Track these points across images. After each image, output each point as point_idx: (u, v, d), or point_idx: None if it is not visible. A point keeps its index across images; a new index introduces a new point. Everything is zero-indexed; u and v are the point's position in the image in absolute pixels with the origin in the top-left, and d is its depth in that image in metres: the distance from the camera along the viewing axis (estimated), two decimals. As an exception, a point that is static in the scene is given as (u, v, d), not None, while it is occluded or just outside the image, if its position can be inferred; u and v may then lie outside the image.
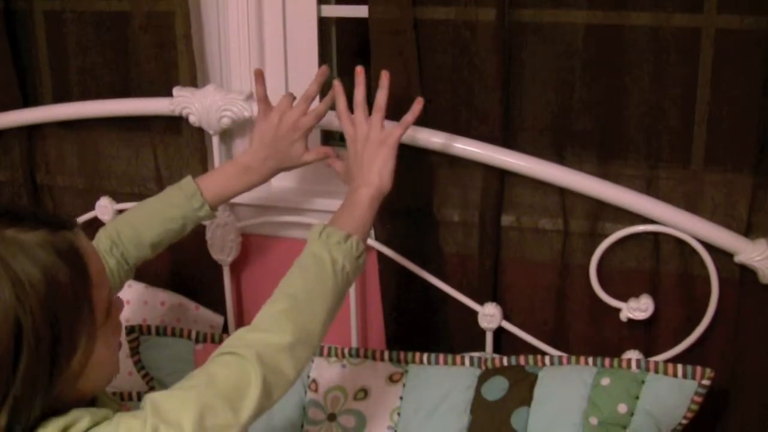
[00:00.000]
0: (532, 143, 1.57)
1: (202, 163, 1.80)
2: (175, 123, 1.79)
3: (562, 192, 1.57)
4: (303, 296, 1.22)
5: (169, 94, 1.73)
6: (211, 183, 1.52)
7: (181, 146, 1.81)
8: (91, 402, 1.13)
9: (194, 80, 1.75)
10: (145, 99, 1.78)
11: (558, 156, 1.56)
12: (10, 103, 1.90)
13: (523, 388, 1.48)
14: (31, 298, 0.97)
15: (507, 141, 1.57)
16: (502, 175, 1.60)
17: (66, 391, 1.04)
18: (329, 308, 1.24)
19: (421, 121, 1.57)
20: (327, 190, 1.79)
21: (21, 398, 0.98)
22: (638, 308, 1.57)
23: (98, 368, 1.07)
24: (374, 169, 1.41)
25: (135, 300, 1.83)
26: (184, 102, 1.71)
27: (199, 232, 1.80)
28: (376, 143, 1.42)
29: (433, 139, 1.58)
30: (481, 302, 1.66)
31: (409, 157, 1.61)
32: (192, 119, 1.72)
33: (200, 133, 1.77)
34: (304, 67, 1.77)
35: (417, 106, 1.43)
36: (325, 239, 1.30)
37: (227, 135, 1.80)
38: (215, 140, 1.75)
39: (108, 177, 1.89)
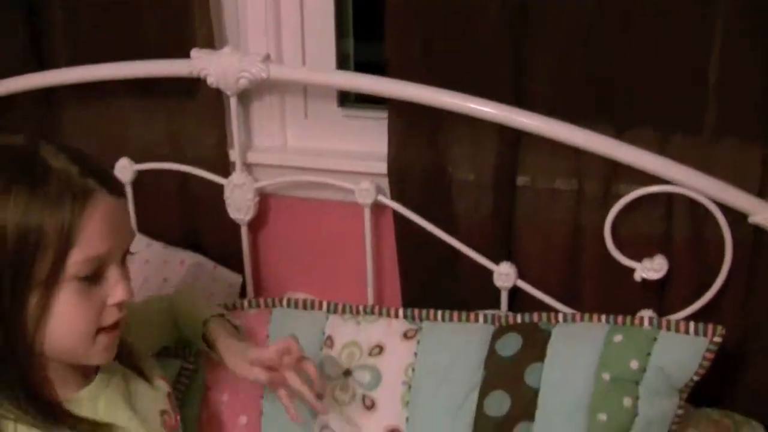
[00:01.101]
0: (546, 107, 1.58)
1: (218, 125, 1.83)
2: (192, 86, 1.81)
3: (577, 153, 1.58)
4: None
5: (186, 57, 1.75)
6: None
7: (197, 108, 1.83)
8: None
9: (211, 42, 1.77)
10: (163, 61, 1.79)
11: (572, 120, 1.57)
12: (25, 67, 1.92)
13: (536, 344, 1.50)
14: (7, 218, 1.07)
15: (520, 101, 1.59)
16: (517, 136, 1.61)
17: (32, 335, 1.11)
18: None
19: (437, 81, 1.60)
20: (344, 150, 1.82)
21: None
22: (652, 268, 1.59)
23: (63, 324, 1.12)
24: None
25: (154, 260, 1.86)
26: (202, 64, 1.73)
27: (217, 192, 1.84)
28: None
29: (447, 99, 1.59)
30: (497, 261, 1.69)
31: (424, 117, 1.64)
32: (210, 80, 1.74)
33: (217, 95, 1.79)
34: (320, 28, 1.79)
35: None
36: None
37: (245, 96, 1.82)
38: (233, 101, 1.77)
39: (125, 140, 1.91)
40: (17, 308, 1.10)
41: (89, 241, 1.10)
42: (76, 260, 1.09)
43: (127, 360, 1.33)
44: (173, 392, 1.43)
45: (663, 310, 1.62)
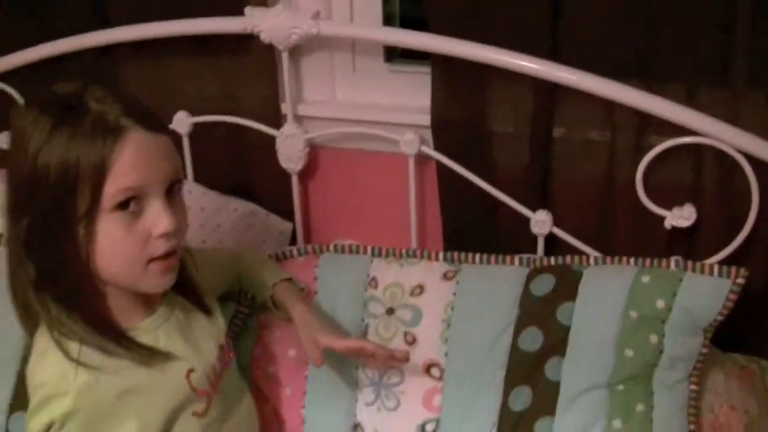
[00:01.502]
0: (580, 59, 1.65)
1: (270, 80, 1.91)
2: (246, 42, 1.89)
3: (610, 106, 1.66)
4: None
5: (240, 14, 1.84)
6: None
7: (250, 64, 1.92)
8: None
9: (264, 1, 1.86)
10: (218, 18, 1.88)
11: (605, 72, 1.64)
12: (85, 26, 2.02)
13: (568, 284, 1.59)
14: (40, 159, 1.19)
15: (556, 56, 1.66)
16: (553, 88, 1.69)
17: (86, 261, 1.23)
18: None
19: (477, 37, 1.69)
20: (390, 103, 1.91)
21: (36, 231, 1.22)
22: (681, 216, 1.66)
23: (111, 253, 1.23)
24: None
25: (209, 207, 1.96)
26: (255, 21, 1.82)
27: (269, 143, 1.94)
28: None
29: (487, 53, 1.68)
30: (533, 209, 1.77)
31: (465, 71, 1.72)
32: (263, 37, 1.83)
33: (270, 50, 1.88)
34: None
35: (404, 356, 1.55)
36: None
37: (296, 52, 1.91)
38: (285, 57, 1.86)
39: (182, 94, 1.99)
40: (68, 239, 1.21)
41: (121, 173, 1.19)
42: (110, 191, 1.19)
43: (192, 295, 1.45)
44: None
45: (692, 257, 1.66)
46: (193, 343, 1.40)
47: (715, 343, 1.67)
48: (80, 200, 1.20)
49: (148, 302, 1.37)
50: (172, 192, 1.29)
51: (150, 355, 1.32)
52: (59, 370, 1.25)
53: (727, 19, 1.56)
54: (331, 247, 1.79)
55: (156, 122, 1.27)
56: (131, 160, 1.21)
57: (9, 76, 2.13)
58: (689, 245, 1.70)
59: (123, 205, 1.22)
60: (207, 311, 1.47)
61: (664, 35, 1.61)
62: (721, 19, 1.56)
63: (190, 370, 1.37)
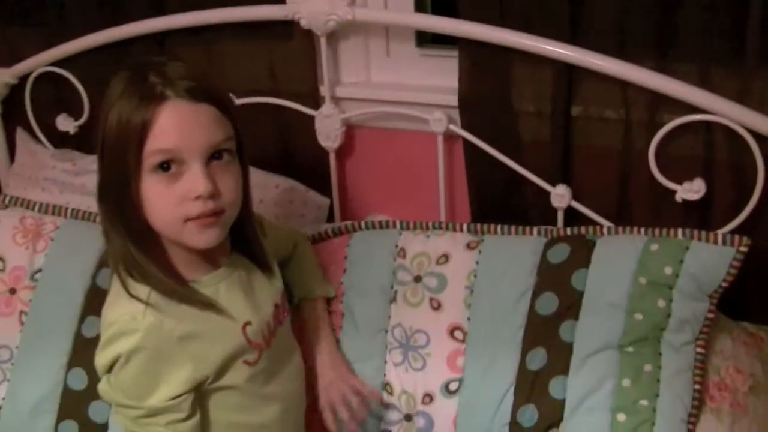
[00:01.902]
0: (596, 42, 1.76)
1: (310, 63, 2.05)
2: (286, 28, 2.03)
3: (625, 84, 1.76)
4: None
5: (282, 2, 1.99)
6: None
7: (291, 48, 2.06)
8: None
9: None
10: (262, 6, 2.03)
11: (620, 54, 1.74)
12: (143, 13, 2.18)
13: (582, 252, 1.70)
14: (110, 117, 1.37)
15: (575, 39, 1.77)
16: (571, 69, 1.80)
17: (139, 213, 1.40)
18: None
19: (501, 22, 1.80)
20: (420, 85, 2.04)
21: (105, 182, 1.40)
22: (692, 190, 1.76)
23: (154, 209, 1.39)
24: None
25: (252, 183, 2.07)
26: (296, 8, 1.96)
27: (308, 122, 2.07)
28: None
29: (510, 37, 1.80)
30: (553, 184, 1.88)
31: (490, 53, 1.84)
32: (303, 23, 1.97)
33: (309, 36, 2.02)
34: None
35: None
36: None
37: (333, 37, 2.04)
38: (323, 41, 2.00)
39: (228, 76, 2.13)
40: (127, 193, 1.37)
41: (159, 136, 1.34)
42: (149, 152, 1.34)
43: (257, 257, 1.59)
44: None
45: (703, 228, 1.73)
46: (252, 300, 1.54)
47: (726, 312, 1.78)
48: (131, 158, 1.35)
49: (210, 259, 1.51)
50: (218, 159, 1.41)
51: (209, 306, 1.46)
52: (130, 311, 1.40)
53: (738, 3, 1.66)
54: (362, 225, 1.92)
55: (200, 93, 1.38)
56: (167, 125, 1.34)
57: (67, 62, 2.31)
58: (700, 217, 1.79)
59: (163, 167, 1.36)
60: (268, 272, 1.61)
61: (676, 19, 1.70)
62: (732, 3, 1.66)
63: (247, 324, 1.51)
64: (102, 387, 1.47)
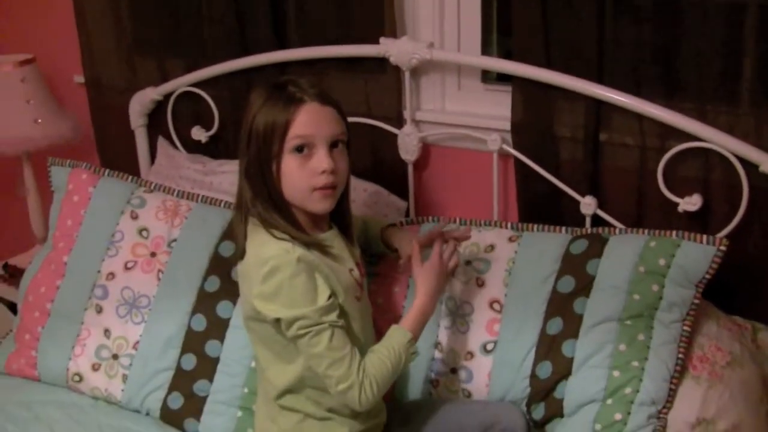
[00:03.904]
0: (620, 83, 2.18)
1: (397, 91, 2.50)
2: (379, 63, 2.49)
3: (641, 117, 2.18)
4: (383, 376, 1.87)
5: (376, 43, 2.45)
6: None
7: (382, 80, 2.52)
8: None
9: (394, 32, 2.46)
10: (361, 45, 2.50)
11: (637, 93, 2.16)
12: (267, 46, 2.67)
13: (597, 246, 2.10)
14: (257, 119, 1.84)
15: (603, 81, 2.20)
16: (600, 104, 2.22)
17: (278, 186, 1.84)
18: (391, 379, 1.90)
19: (546, 64, 2.25)
20: (482, 112, 2.48)
21: (251, 166, 1.86)
22: (691, 203, 2.15)
23: (290, 180, 1.84)
24: (427, 290, 1.96)
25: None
26: (387, 48, 2.44)
27: (393, 139, 2.52)
28: (433, 268, 1.98)
29: (553, 77, 2.25)
30: (583, 195, 2.29)
31: (537, 89, 2.28)
32: (392, 60, 2.44)
33: (397, 71, 2.47)
34: (471, 23, 2.48)
35: (465, 233, 2.09)
36: (405, 343, 1.89)
37: (416, 72, 2.50)
38: (407, 75, 2.46)
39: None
40: (270, 171, 1.85)
41: (299, 126, 1.81)
42: (290, 137, 1.81)
43: (348, 224, 2.03)
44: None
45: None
46: (347, 255, 1.98)
47: (719, 307, 2.15)
48: (275, 145, 1.82)
49: (320, 225, 1.95)
50: (336, 147, 1.86)
51: (328, 252, 1.91)
52: (282, 247, 1.82)
53: (733, 56, 2.07)
54: (430, 218, 2.36)
55: (326, 98, 1.86)
56: (304, 119, 1.82)
57: (203, 84, 2.82)
58: (697, 226, 2.16)
59: (299, 149, 1.83)
60: (351, 241, 2.04)
61: (681, 66, 2.13)
62: (727, 54, 2.08)
63: (350, 269, 1.96)
64: (271, 312, 1.82)
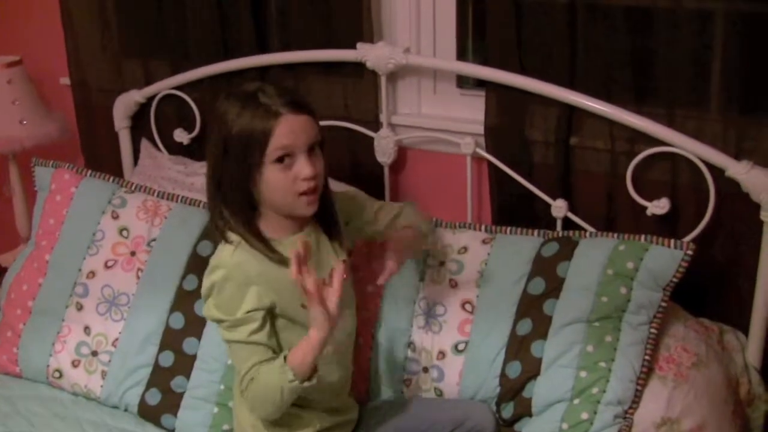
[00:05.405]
0: (591, 89, 2.23)
1: (375, 96, 2.54)
2: (356, 68, 2.53)
3: (611, 122, 2.23)
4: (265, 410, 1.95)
5: (353, 48, 2.49)
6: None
7: (359, 84, 2.56)
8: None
9: (371, 37, 2.50)
10: (338, 50, 2.55)
11: (608, 98, 2.21)
12: (249, 50, 2.70)
13: (567, 249, 2.14)
14: (233, 130, 1.85)
15: (574, 86, 2.25)
16: (571, 109, 2.27)
17: (258, 195, 1.88)
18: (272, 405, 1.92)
19: (520, 70, 2.29)
20: (457, 116, 2.53)
21: (226, 175, 1.88)
22: (659, 206, 2.20)
23: (275, 189, 1.87)
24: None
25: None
26: (364, 53, 2.48)
27: (369, 142, 2.56)
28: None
29: (526, 83, 2.30)
30: (554, 198, 2.34)
31: (510, 94, 2.32)
32: (368, 65, 2.48)
33: (374, 75, 2.51)
34: (446, 28, 2.53)
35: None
36: (285, 376, 1.85)
37: (392, 77, 2.54)
38: (383, 80, 2.50)
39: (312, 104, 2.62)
40: (248, 179, 1.87)
41: (278, 138, 1.83)
42: (271, 149, 1.84)
43: (332, 218, 2.04)
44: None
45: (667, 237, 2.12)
46: (317, 260, 1.95)
47: (687, 310, 2.20)
48: (255, 155, 1.85)
49: (298, 225, 1.97)
50: (313, 150, 1.88)
51: (278, 257, 1.93)
52: (228, 250, 1.91)
53: (701, 62, 2.13)
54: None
55: (301, 106, 1.87)
56: (284, 131, 1.84)
57: (186, 86, 2.86)
58: (667, 228, 2.21)
59: (280, 159, 1.85)
60: (336, 235, 2.05)
61: (650, 73, 2.18)
62: (696, 61, 2.13)
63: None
64: (204, 310, 1.95)
